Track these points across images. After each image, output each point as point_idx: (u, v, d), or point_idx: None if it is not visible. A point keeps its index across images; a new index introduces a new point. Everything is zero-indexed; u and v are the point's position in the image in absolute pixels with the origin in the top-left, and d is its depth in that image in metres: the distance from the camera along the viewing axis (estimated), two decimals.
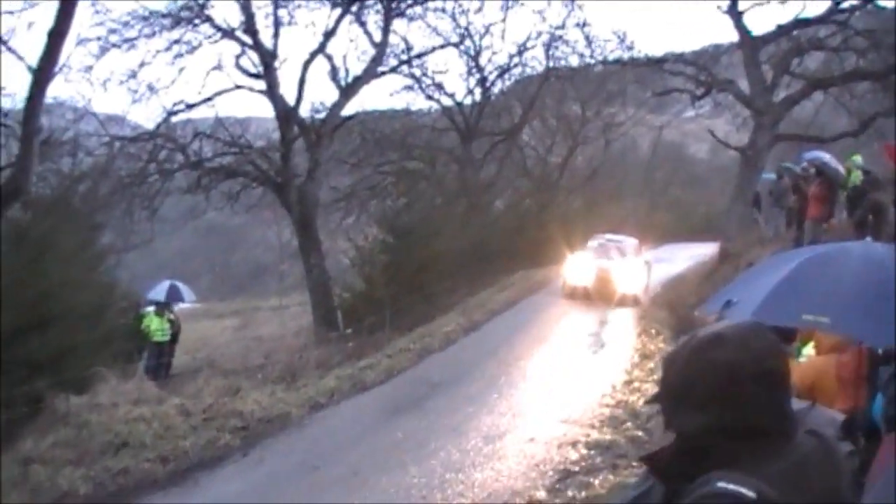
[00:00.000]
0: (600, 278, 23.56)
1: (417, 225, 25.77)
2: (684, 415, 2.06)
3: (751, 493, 1.89)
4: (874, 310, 4.15)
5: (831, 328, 4.61)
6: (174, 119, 27.00)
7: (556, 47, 35.91)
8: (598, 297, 23.15)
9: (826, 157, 17.27)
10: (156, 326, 20.47)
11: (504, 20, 40.17)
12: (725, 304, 4.82)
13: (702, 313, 15.19)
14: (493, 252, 28.75)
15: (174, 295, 22.81)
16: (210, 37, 26.02)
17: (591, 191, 44.75)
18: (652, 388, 12.09)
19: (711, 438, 2.02)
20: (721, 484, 1.92)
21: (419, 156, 35.09)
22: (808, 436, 2.06)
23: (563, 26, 34.81)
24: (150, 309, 21.34)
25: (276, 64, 26.09)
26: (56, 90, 42.47)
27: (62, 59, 15.68)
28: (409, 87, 34.46)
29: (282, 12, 26.72)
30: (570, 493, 9.08)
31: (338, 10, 27.50)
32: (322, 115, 27.88)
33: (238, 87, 26.64)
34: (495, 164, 38.66)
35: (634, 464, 9.59)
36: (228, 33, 25.91)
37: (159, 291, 22.67)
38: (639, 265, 24.89)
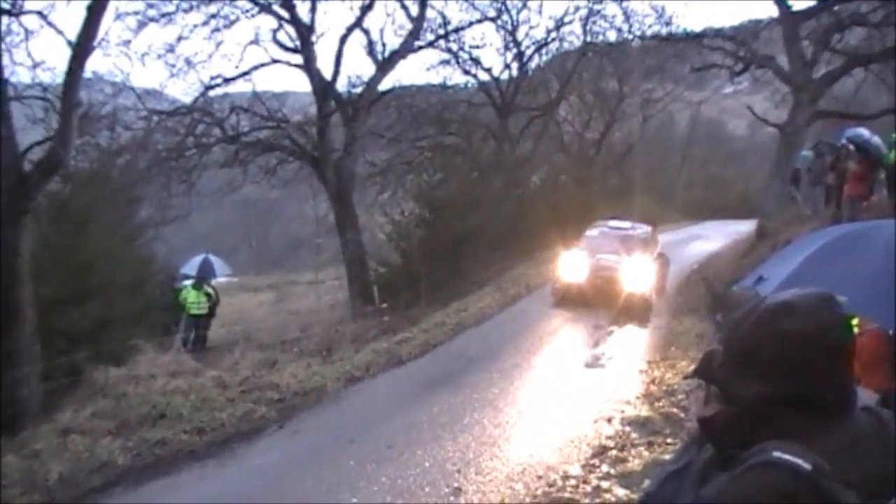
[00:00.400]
0: (599, 277, 19.40)
1: (453, 200, 25.69)
2: (746, 382, 2.03)
3: (807, 465, 1.86)
4: (892, 292, 4.09)
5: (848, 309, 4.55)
6: (211, 93, 27.06)
7: (594, 22, 35.75)
8: (597, 300, 18.94)
9: (866, 134, 17.01)
10: (192, 300, 20.63)
11: None
12: (757, 280, 4.77)
13: (738, 290, 15.15)
14: (530, 228, 28.63)
15: (206, 269, 22.97)
16: (247, 11, 26.01)
17: (628, 167, 44.51)
18: (687, 366, 12.02)
19: (772, 407, 1.99)
20: (777, 454, 1.90)
21: (456, 131, 34.98)
22: (864, 412, 2.03)
23: (601, 1, 34.58)
24: (188, 282, 21.52)
25: (313, 38, 26.07)
26: (94, 65, 42.83)
27: (101, 33, 15.74)
28: (446, 62, 34.37)
29: None
30: (604, 469, 9.05)
31: None
32: (359, 90, 27.83)
33: (275, 61, 26.64)
34: (532, 139, 38.50)
35: (669, 441, 9.57)
36: (266, 7, 25.89)
37: (193, 265, 22.85)
38: (648, 260, 20.20)
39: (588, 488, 8.49)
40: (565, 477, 8.89)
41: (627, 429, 10.52)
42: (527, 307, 19.88)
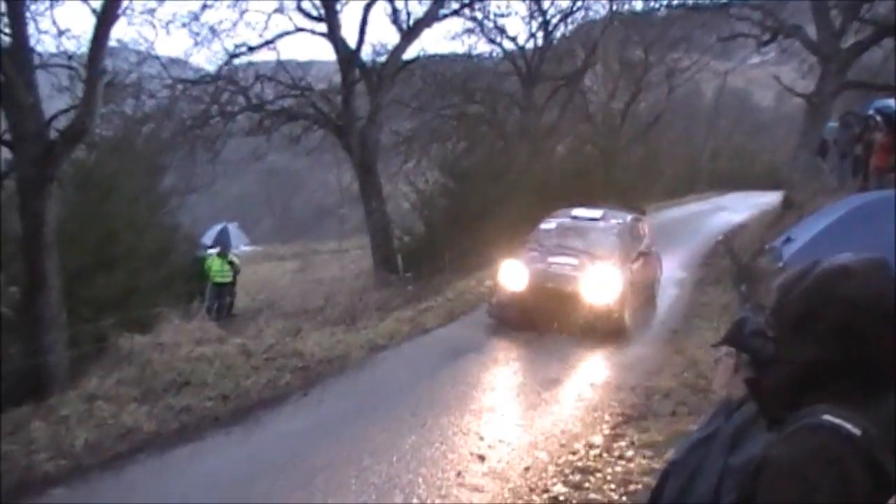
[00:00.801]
0: (546, 287, 14.54)
1: (478, 169, 25.62)
2: (798, 345, 2.01)
3: (857, 430, 1.85)
4: None
5: None
6: (236, 62, 27.02)
7: None
8: (546, 318, 14.21)
9: (894, 105, 16.86)
10: (217, 268, 20.73)
11: None
12: (785, 240, 4.75)
13: (766, 256, 15.08)
14: (555, 197, 28.52)
15: (223, 238, 23.05)
16: None
17: (653, 137, 44.28)
18: (711, 336, 11.96)
19: (824, 372, 1.97)
20: (828, 417, 1.88)
21: (480, 100, 34.83)
22: None
23: None
24: (213, 251, 21.62)
25: (338, 6, 25.97)
26: (119, 33, 42.81)
27: (125, 1, 15.75)
28: (471, 31, 34.10)
29: None
30: (627, 438, 9.06)
31: None
32: (383, 59, 27.74)
33: (299, 29, 26.56)
34: (557, 108, 38.27)
35: (693, 411, 9.53)
36: None
37: (212, 235, 22.95)
38: (624, 261, 15.24)
39: (611, 457, 8.48)
40: (589, 446, 8.91)
41: (651, 398, 10.51)
42: None
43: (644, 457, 8.30)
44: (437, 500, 7.59)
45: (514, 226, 25.11)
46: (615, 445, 8.88)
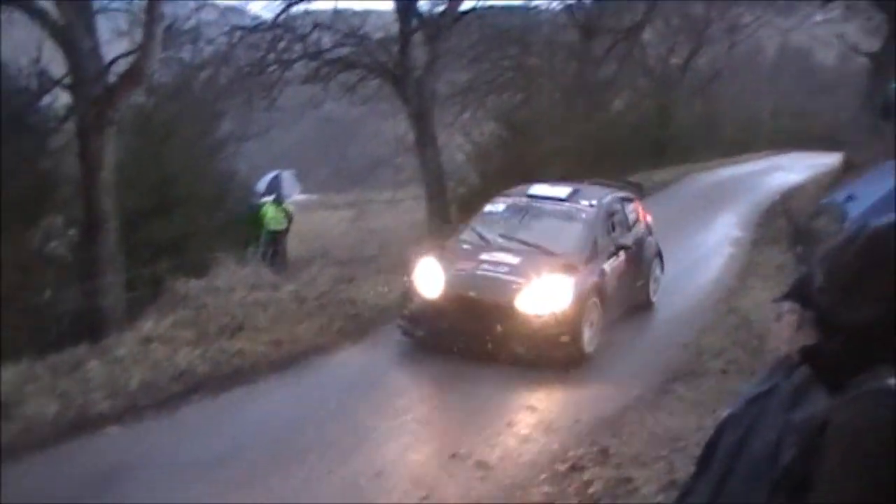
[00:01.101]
0: (468, 299, 10.44)
1: (535, 121, 25.46)
2: (856, 306, 1.96)
3: None
4: None
5: None
6: (293, 10, 27.03)
7: None
8: (471, 338, 10.19)
9: None
10: (272, 215, 20.84)
11: None
12: (847, 198, 4.65)
13: (824, 216, 14.83)
14: (612, 152, 28.30)
15: (275, 186, 23.13)
16: None
17: (712, 94, 43.68)
18: (767, 297, 11.83)
19: (884, 332, 1.93)
20: (893, 381, 1.84)
21: (538, 52, 34.54)
22: None
23: None
24: (268, 198, 21.73)
25: None
26: None
27: None
28: None
29: None
30: (676, 395, 9.02)
31: None
32: (441, 8, 27.56)
33: None
34: (615, 62, 37.87)
35: (744, 369, 9.46)
36: None
37: (264, 182, 23.04)
38: (575, 270, 10.59)
39: (661, 413, 8.46)
40: (638, 400, 8.89)
41: (701, 356, 10.43)
42: None
43: (693, 414, 8.27)
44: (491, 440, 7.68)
45: (570, 179, 24.89)
46: (662, 400, 8.86)
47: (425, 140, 26.11)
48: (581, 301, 10.35)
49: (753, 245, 18.12)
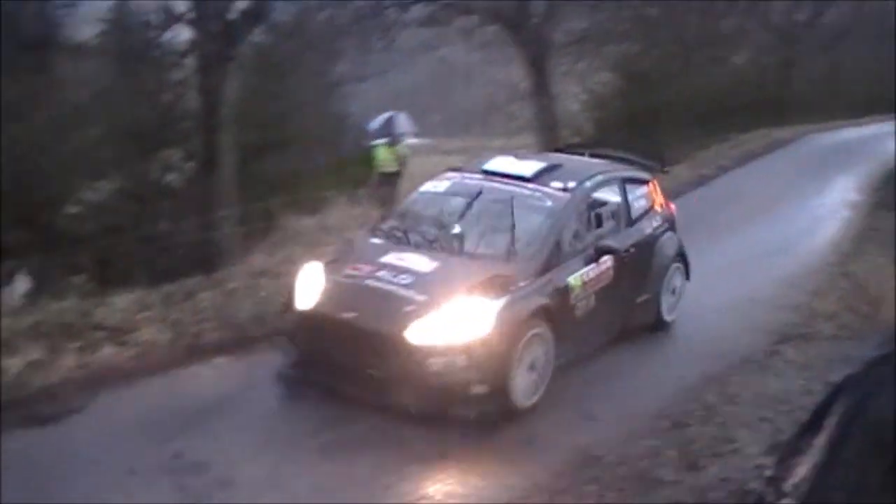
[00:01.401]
0: (342, 322, 7.17)
1: (653, 72, 25.05)
2: None
3: None
4: None
5: None
6: None
7: None
8: (354, 374, 7.08)
9: None
10: (384, 157, 20.92)
11: None
12: None
13: None
14: (730, 107, 27.70)
15: (391, 128, 23.15)
16: None
17: (838, 53, 42.25)
18: (883, 261, 11.50)
19: None
20: None
21: (658, 2, 33.92)
22: None
23: None
24: (383, 140, 21.82)
25: None
26: None
27: None
28: None
29: None
30: (785, 357, 8.86)
31: None
32: None
33: None
34: (737, 16, 36.96)
35: (855, 335, 9.24)
36: None
37: (379, 122, 23.08)
38: (514, 286, 7.22)
39: (768, 375, 8.32)
40: (745, 360, 8.75)
41: (813, 319, 10.22)
42: (719, 186, 19.31)
43: (801, 378, 8.12)
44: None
45: (686, 132, 24.41)
46: (769, 362, 8.72)
47: (540, 88, 25.90)
48: (512, 332, 7.06)
49: (871, 210, 17.59)
